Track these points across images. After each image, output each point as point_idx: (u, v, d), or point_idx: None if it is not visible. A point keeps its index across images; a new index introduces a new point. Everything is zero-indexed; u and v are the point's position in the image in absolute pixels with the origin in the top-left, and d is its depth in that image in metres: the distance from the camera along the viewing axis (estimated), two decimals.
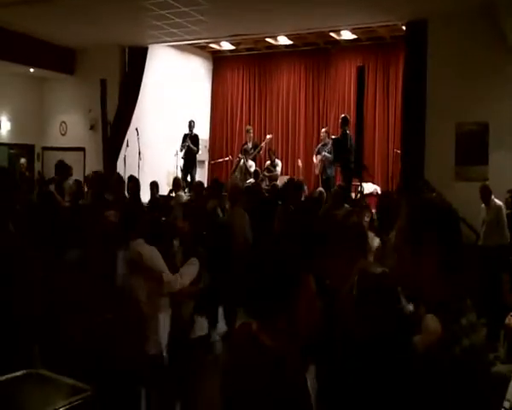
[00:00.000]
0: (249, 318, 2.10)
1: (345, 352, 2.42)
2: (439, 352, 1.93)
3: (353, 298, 2.59)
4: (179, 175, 13.53)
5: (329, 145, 13.31)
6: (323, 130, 14.19)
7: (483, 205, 9.30)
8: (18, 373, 2.29)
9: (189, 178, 14.01)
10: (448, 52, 10.80)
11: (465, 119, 10.80)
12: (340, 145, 12.05)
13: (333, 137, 13.05)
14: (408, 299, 2.30)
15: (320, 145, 13.93)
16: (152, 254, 4.57)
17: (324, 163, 13.32)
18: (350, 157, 11.57)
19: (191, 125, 14.21)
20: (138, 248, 4.58)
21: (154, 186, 11.20)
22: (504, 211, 9.21)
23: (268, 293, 2.03)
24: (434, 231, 2.02)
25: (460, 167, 10.82)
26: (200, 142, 14.99)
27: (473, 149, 10.76)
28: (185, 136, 14.17)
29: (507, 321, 5.05)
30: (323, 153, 13.39)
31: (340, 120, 12.97)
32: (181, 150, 14.09)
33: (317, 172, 13.81)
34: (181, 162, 14.18)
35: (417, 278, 2.05)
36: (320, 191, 10.36)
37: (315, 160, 13.89)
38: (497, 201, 9.23)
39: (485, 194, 9.24)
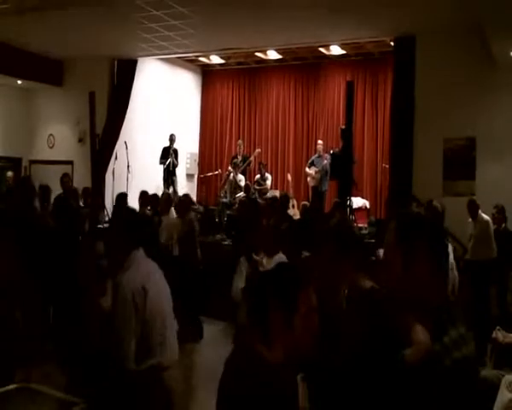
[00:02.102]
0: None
1: (335, 366, 2.41)
2: (429, 365, 1.94)
3: (343, 312, 2.60)
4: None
5: (328, 159, 13.22)
6: (320, 142, 14.13)
7: (470, 219, 9.36)
8: (9, 387, 2.25)
9: (171, 191, 13.98)
10: (436, 67, 10.88)
11: (453, 134, 10.88)
12: (339, 160, 11.92)
13: (332, 151, 12.86)
14: (398, 312, 2.30)
15: (315, 157, 13.83)
16: None
17: (321, 175, 13.23)
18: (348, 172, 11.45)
19: (172, 139, 14.19)
20: None
21: (143, 197, 11.09)
22: (491, 225, 9.26)
23: (266, 304, 2.06)
24: (425, 240, 2.06)
25: (447, 182, 10.88)
26: (190, 155, 14.98)
27: (460, 163, 10.84)
28: (166, 149, 14.11)
29: (494, 335, 5.07)
30: (325, 162, 13.26)
31: (340, 132, 12.94)
32: (162, 163, 14.04)
33: (312, 183, 13.68)
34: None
35: (409, 288, 2.06)
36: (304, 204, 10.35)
37: (308, 171, 13.76)
38: (484, 215, 9.29)
39: (473, 208, 9.30)
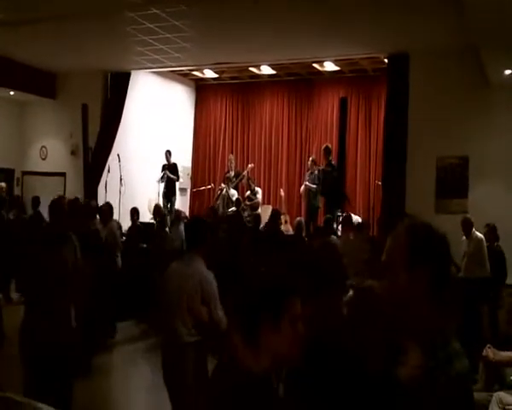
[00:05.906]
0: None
1: (327, 379, 2.36)
2: (423, 381, 1.89)
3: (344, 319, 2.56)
4: (160, 202, 13.48)
5: (314, 175, 13.29)
6: (310, 158, 14.12)
7: (464, 237, 9.32)
8: None
9: (169, 206, 14.00)
10: (429, 86, 10.92)
11: (446, 152, 10.90)
12: (327, 176, 12.03)
13: (320, 168, 12.88)
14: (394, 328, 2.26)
15: (307, 174, 13.87)
16: None
17: (308, 193, 13.25)
18: (336, 188, 11.54)
19: (167, 155, 14.20)
20: None
21: (135, 213, 11.12)
22: (485, 244, 9.24)
23: (252, 311, 2.02)
24: (428, 254, 1.99)
25: (440, 200, 10.88)
26: (183, 169, 14.98)
27: (453, 182, 10.86)
28: (163, 166, 14.16)
29: (484, 353, 5.02)
30: (306, 183, 13.33)
31: (322, 151, 12.95)
32: (161, 182, 14.11)
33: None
34: (161, 190, 14.18)
35: (408, 303, 2.01)
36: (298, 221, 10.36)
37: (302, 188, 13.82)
38: (478, 233, 9.26)
39: (467, 226, 9.26)
